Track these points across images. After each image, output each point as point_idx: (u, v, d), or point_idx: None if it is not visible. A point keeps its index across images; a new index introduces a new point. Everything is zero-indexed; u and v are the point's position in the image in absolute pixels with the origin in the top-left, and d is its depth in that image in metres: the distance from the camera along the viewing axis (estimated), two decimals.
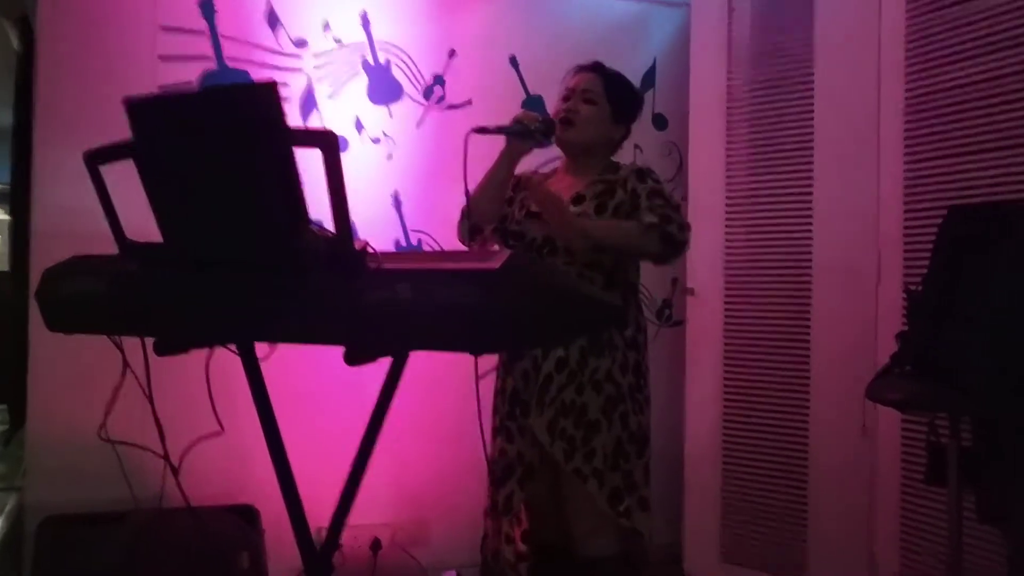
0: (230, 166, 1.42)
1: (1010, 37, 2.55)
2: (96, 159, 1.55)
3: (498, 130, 2.30)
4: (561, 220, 2.16)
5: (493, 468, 2.38)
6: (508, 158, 2.35)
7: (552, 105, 2.57)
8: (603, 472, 2.25)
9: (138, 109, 1.46)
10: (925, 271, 2.37)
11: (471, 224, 2.40)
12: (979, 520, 2.39)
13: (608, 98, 2.40)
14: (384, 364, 1.56)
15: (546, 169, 2.64)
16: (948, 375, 2.22)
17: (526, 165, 2.48)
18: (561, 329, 1.59)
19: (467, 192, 2.25)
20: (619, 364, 2.29)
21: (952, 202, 2.58)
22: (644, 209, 2.27)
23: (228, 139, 1.41)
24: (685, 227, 2.30)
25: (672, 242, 2.25)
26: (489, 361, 3.35)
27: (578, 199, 2.34)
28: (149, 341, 1.67)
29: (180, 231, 1.52)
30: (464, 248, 2.43)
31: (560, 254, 2.30)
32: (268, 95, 1.36)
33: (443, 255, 2.63)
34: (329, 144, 1.34)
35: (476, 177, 2.31)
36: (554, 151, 2.51)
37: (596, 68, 2.44)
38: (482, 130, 2.25)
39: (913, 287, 2.45)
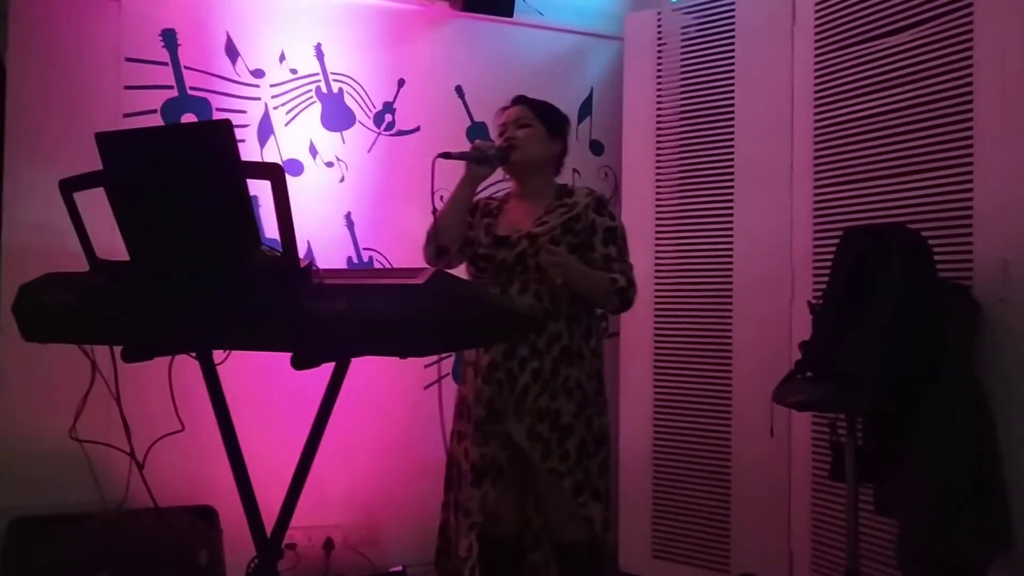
0: (190, 194, 1.63)
1: (904, 75, 2.79)
2: (70, 187, 1.73)
3: (460, 155, 2.49)
4: (555, 260, 2.36)
5: (461, 470, 2.53)
6: (469, 182, 2.52)
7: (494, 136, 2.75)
8: (573, 469, 2.44)
9: (107, 142, 1.65)
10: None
11: (437, 245, 2.53)
12: (876, 512, 2.64)
13: (539, 118, 2.60)
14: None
15: (501, 195, 2.75)
16: (842, 378, 2.48)
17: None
18: (480, 335, 1.81)
19: (435, 211, 2.45)
20: (586, 372, 2.50)
21: (854, 224, 2.82)
22: (600, 256, 2.47)
23: (188, 170, 1.62)
24: (635, 286, 2.51)
25: (626, 304, 2.50)
26: (435, 373, 3.60)
27: (540, 223, 2.51)
28: (116, 350, 1.85)
29: (145, 250, 1.71)
30: (405, 266, 2.54)
31: (530, 274, 2.45)
32: (223, 132, 1.57)
33: (379, 273, 2.83)
34: (276, 176, 1.55)
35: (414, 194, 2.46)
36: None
37: (520, 100, 2.65)
38: (446, 155, 2.44)
39: (815, 301, 2.71)
